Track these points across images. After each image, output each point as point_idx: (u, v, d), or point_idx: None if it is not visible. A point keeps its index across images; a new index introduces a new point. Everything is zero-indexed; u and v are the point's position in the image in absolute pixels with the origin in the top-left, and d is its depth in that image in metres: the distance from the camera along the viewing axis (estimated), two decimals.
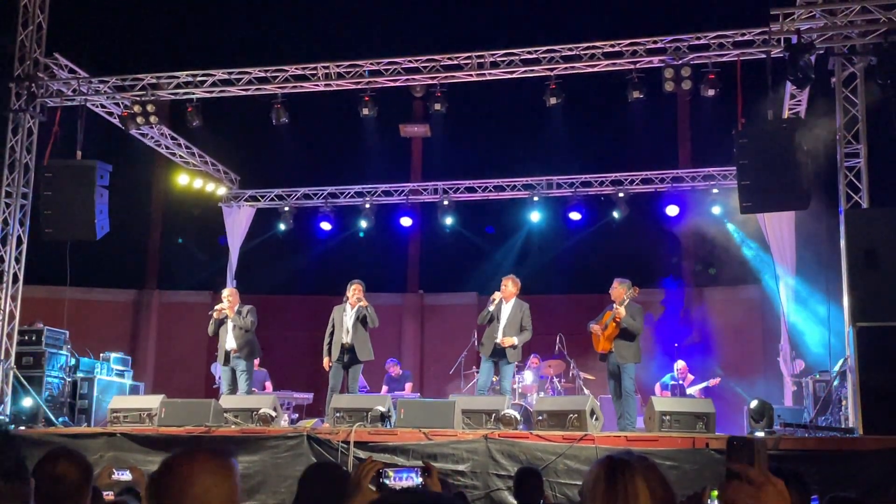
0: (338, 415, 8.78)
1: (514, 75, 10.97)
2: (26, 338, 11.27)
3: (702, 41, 10.21)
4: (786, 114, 11.28)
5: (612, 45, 10.48)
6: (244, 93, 11.60)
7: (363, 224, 15.04)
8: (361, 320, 10.10)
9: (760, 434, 8.32)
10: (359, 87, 11.34)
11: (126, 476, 4.85)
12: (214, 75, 11.53)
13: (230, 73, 11.49)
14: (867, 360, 8.25)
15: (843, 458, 7.28)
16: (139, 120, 11.72)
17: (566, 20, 16.07)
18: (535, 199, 14.37)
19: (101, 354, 12.44)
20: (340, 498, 3.54)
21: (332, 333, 10.25)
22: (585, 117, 14.84)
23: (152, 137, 13.52)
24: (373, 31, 16.28)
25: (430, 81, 11.11)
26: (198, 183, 14.92)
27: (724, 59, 10.22)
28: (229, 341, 10.47)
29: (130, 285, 18.26)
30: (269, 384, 13.08)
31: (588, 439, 7.72)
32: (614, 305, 9.60)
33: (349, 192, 15.35)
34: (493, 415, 8.42)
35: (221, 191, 15.40)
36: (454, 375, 12.67)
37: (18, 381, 10.70)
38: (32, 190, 11.46)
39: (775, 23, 9.54)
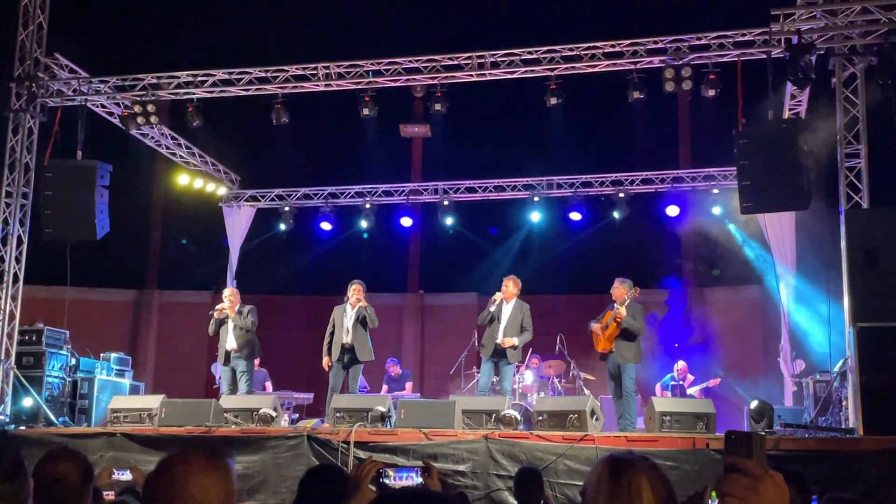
0: (338, 415, 8.78)
1: (515, 75, 10.97)
2: (26, 338, 11.27)
3: (702, 41, 10.21)
4: (786, 114, 11.28)
5: (613, 46, 10.48)
6: (244, 93, 11.60)
7: (363, 224, 15.05)
8: (361, 321, 10.10)
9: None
10: (359, 87, 11.34)
11: (126, 476, 4.86)
12: (215, 75, 11.53)
13: (230, 73, 11.49)
14: (867, 361, 8.25)
15: (844, 458, 7.28)
16: (139, 120, 11.73)
17: (566, 20, 16.07)
18: (536, 199, 14.37)
19: (102, 354, 12.45)
20: (341, 500, 3.55)
21: (332, 333, 10.25)
22: (586, 117, 14.85)
23: (153, 137, 13.53)
24: (373, 31, 16.29)
25: (431, 81, 11.11)
26: (198, 183, 14.92)
27: (725, 59, 10.22)
28: (230, 341, 10.47)
29: (131, 285, 18.26)
30: (269, 384, 13.08)
31: (588, 440, 7.72)
32: (615, 305, 9.59)
33: (349, 193, 15.35)
34: (494, 415, 8.42)
35: (222, 191, 15.40)
36: (454, 375, 12.67)
37: (19, 381, 10.71)
38: (33, 190, 11.47)
39: (776, 23, 9.54)
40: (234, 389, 10.41)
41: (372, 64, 11.16)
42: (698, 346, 14.83)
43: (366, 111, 11.33)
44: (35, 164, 11.51)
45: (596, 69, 10.66)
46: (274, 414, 8.97)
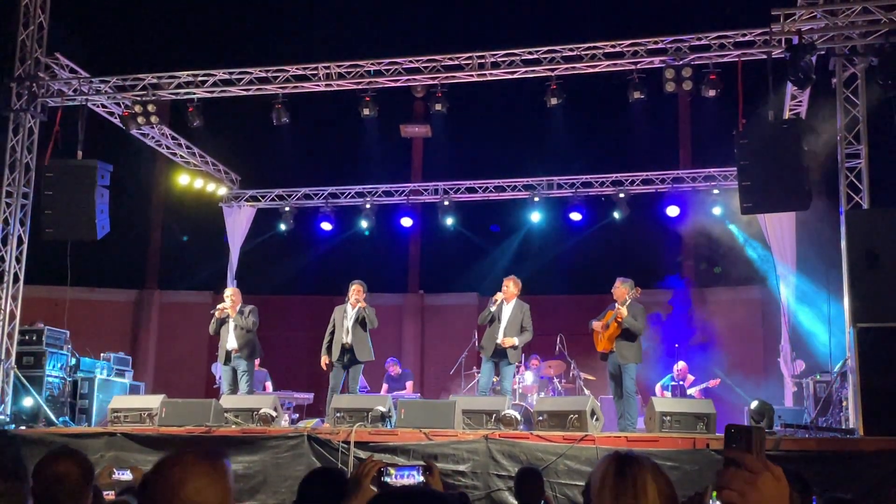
0: (338, 415, 8.78)
1: (515, 76, 10.97)
2: (27, 337, 11.28)
3: (703, 42, 10.21)
4: (786, 114, 11.28)
5: (613, 46, 10.48)
6: (245, 93, 11.60)
7: (364, 224, 15.04)
8: (361, 322, 10.10)
9: None
10: (359, 87, 11.34)
11: (126, 476, 4.86)
12: (215, 75, 11.53)
13: (231, 73, 11.49)
14: (868, 361, 8.25)
15: (844, 459, 7.28)
16: (140, 120, 11.72)
17: (567, 20, 16.07)
18: (536, 199, 14.37)
19: (102, 354, 12.46)
20: (341, 502, 3.55)
21: (332, 333, 10.26)
22: (586, 118, 14.84)
23: (153, 137, 13.53)
24: (374, 32, 16.28)
25: (431, 82, 11.11)
26: (198, 183, 14.92)
27: (725, 59, 10.22)
28: (230, 341, 10.47)
29: (131, 285, 18.27)
30: (269, 384, 13.08)
31: (588, 440, 7.72)
32: (616, 305, 9.59)
33: (350, 193, 15.35)
34: (494, 415, 8.42)
35: (222, 191, 15.40)
36: (454, 376, 12.67)
37: (19, 381, 10.71)
38: (33, 190, 11.47)
39: (776, 23, 9.54)
40: (234, 389, 10.41)
41: (372, 64, 11.16)
42: (698, 347, 14.83)
43: (366, 111, 11.33)
44: (35, 163, 11.51)
45: (596, 69, 10.66)
46: (274, 414, 8.98)
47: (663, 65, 10.32)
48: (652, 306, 13.36)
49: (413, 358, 17.04)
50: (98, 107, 12.16)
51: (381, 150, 15.23)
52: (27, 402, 10.69)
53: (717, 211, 13.77)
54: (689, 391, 12.29)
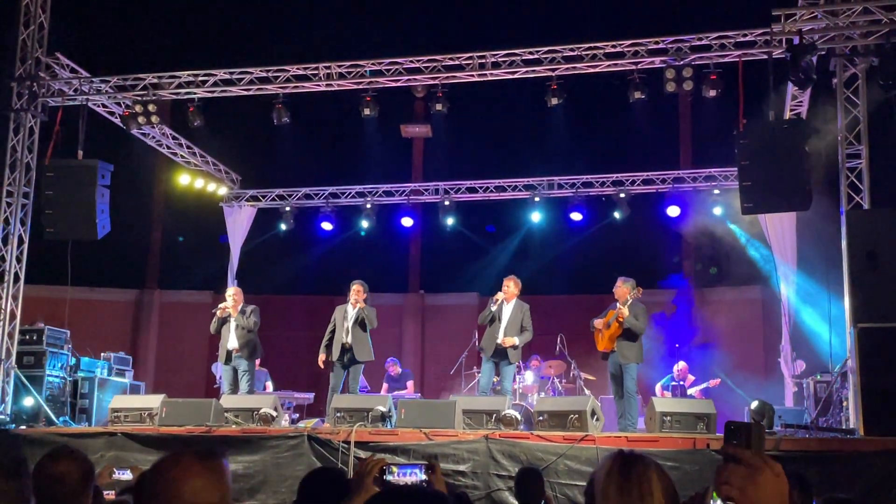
0: (338, 415, 8.78)
1: (516, 76, 10.97)
2: (27, 337, 11.28)
3: (703, 42, 10.21)
4: (787, 115, 11.28)
5: (614, 46, 10.48)
6: (245, 93, 11.60)
7: (364, 224, 15.04)
8: (360, 322, 10.11)
9: None
10: (360, 87, 11.34)
11: (126, 475, 4.86)
12: (216, 75, 11.53)
13: (231, 73, 11.49)
14: (868, 361, 8.25)
15: (844, 459, 7.27)
16: (140, 120, 11.73)
17: (568, 21, 16.07)
18: (537, 199, 14.37)
19: (102, 354, 12.46)
20: (341, 503, 3.55)
21: (332, 332, 10.27)
22: (587, 118, 14.84)
23: (153, 137, 13.53)
24: (374, 32, 16.28)
25: (432, 82, 11.11)
26: (199, 183, 14.93)
27: (726, 59, 10.22)
28: (231, 340, 10.47)
29: (131, 285, 18.27)
30: (269, 384, 13.08)
31: (589, 440, 7.72)
32: (617, 304, 9.58)
33: (350, 193, 15.35)
34: (494, 415, 8.42)
35: (222, 191, 15.41)
36: (455, 376, 12.67)
37: (20, 381, 10.71)
38: (34, 189, 11.47)
39: (777, 23, 9.54)
40: (235, 389, 10.41)
41: (373, 64, 11.16)
42: (699, 347, 14.83)
43: (367, 111, 11.32)
44: (36, 163, 11.52)
45: (597, 69, 10.66)
46: (274, 414, 8.98)
47: (664, 65, 10.32)
48: (654, 306, 13.36)
49: (413, 358, 17.03)
50: (98, 106, 12.16)
51: (381, 150, 15.22)
52: (27, 401, 10.69)
53: (717, 211, 13.77)
54: (689, 391, 12.29)
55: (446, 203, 14.61)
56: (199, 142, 14.29)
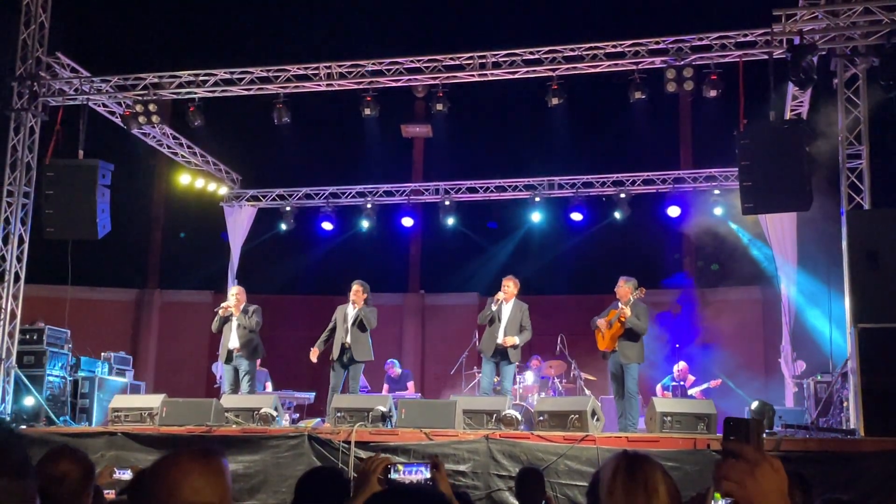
0: (339, 415, 8.78)
1: (516, 76, 10.97)
2: (28, 337, 11.28)
3: (704, 42, 10.21)
4: (788, 115, 11.28)
5: (615, 46, 10.48)
6: (246, 92, 11.60)
7: (364, 224, 15.04)
8: (359, 322, 10.11)
9: None
10: (360, 87, 11.34)
11: (127, 475, 4.86)
12: (216, 75, 11.53)
13: (232, 73, 11.49)
14: (869, 362, 8.24)
15: (845, 459, 7.27)
16: (141, 119, 11.73)
17: (568, 21, 16.07)
18: (537, 199, 14.36)
19: (103, 354, 12.46)
20: (338, 501, 3.54)
21: (332, 329, 10.27)
22: (587, 118, 14.84)
23: (154, 137, 13.53)
24: (375, 31, 16.29)
25: (432, 81, 11.11)
26: (199, 182, 14.93)
27: (727, 59, 10.21)
28: (232, 340, 10.47)
29: (132, 285, 18.28)
30: (269, 384, 13.09)
31: (589, 440, 7.72)
32: (619, 304, 9.58)
33: (351, 193, 15.35)
34: (494, 415, 8.42)
35: (223, 190, 15.41)
36: (455, 376, 12.67)
37: (20, 381, 10.72)
38: (34, 189, 11.47)
39: (777, 24, 9.53)
40: (235, 389, 10.41)
41: (373, 64, 11.16)
42: (700, 347, 14.83)
43: (367, 111, 11.32)
44: (37, 163, 11.52)
45: (597, 69, 10.66)
46: (275, 413, 8.98)
47: (664, 65, 10.32)
48: (658, 306, 13.37)
49: (413, 358, 17.03)
50: (99, 106, 12.17)
51: (382, 149, 15.22)
52: (28, 401, 10.69)
53: (718, 211, 13.76)
54: (689, 391, 12.29)
55: (446, 203, 14.61)
56: (199, 141, 14.28)
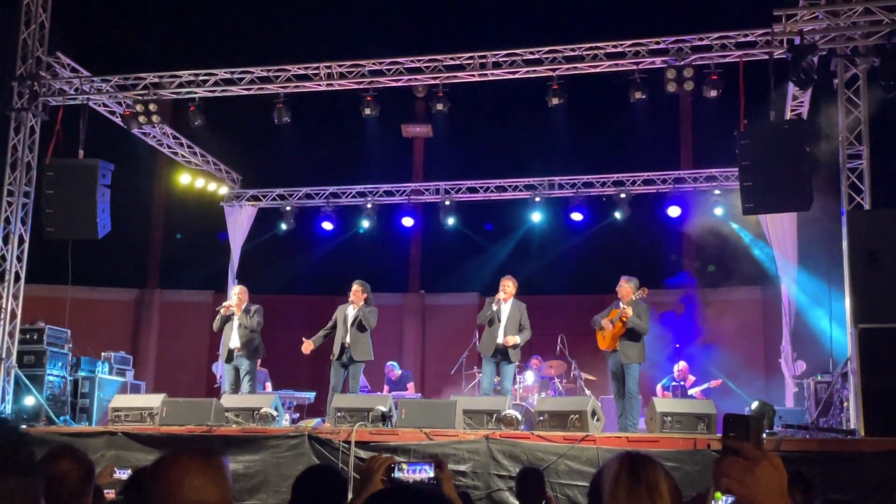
0: (339, 414, 8.78)
1: (517, 76, 10.97)
2: (28, 336, 11.28)
3: (704, 42, 10.20)
4: (788, 115, 11.27)
5: (615, 46, 10.47)
6: (246, 92, 11.60)
7: (365, 224, 15.04)
8: (358, 323, 10.11)
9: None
10: (361, 86, 11.33)
11: (127, 475, 4.86)
12: (216, 74, 11.53)
13: (232, 73, 11.49)
14: (869, 362, 8.24)
15: (845, 459, 7.27)
16: (141, 119, 11.72)
17: (568, 21, 16.07)
18: (537, 199, 14.36)
19: (103, 353, 12.46)
20: (336, 500, 3.54)
21: (332, 327, 10.28)
22: (587, 118, 14.84)
23: (154, 137, 13.53)
24: (375, 31, 16.28)
25: (433, 81, 11.10)
26: (199, 182, 14.93)
27: (727, 59, 10.21)
28: (233, 339, 10.47)
29: (132, 284, 18.28)
30: (268, 385, 13.09)
31: (589, 440, 7.72)
32: (620, 304, 9.58)
33: (351, 192, 15.34)
34: (495, 415, 8.42)
35: (223, 190, 15.41)
36: (455, 375, 12.67)
37: (20, 380, 10.71)
38: (34, 189, 11.47)
39: (778, 24, 9.53)
40: (236, 388, 10.41)
41: (373, 64, 11.15)
42: (700, 347, 14.83)
43: (367, 111, 11.31)
44: (37, 162, 11.52)
45: (598, 69, 10.65)
46: (275, 413, 8.98)
47: (665, 65, 10.32)
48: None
49: (414, 358, 17.04)
50: (99, 106, 12.16)
51: (382, 149, 15.21)
52: (28, 401, 10.69)
53: (718, 211, 13.76)
54: (689, 392, 12.29)
55: (447, 203, 14.60)
56: (199, 141, 14.28)
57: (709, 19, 11.99)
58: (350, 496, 7.03)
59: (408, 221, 15.05)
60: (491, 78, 11.04)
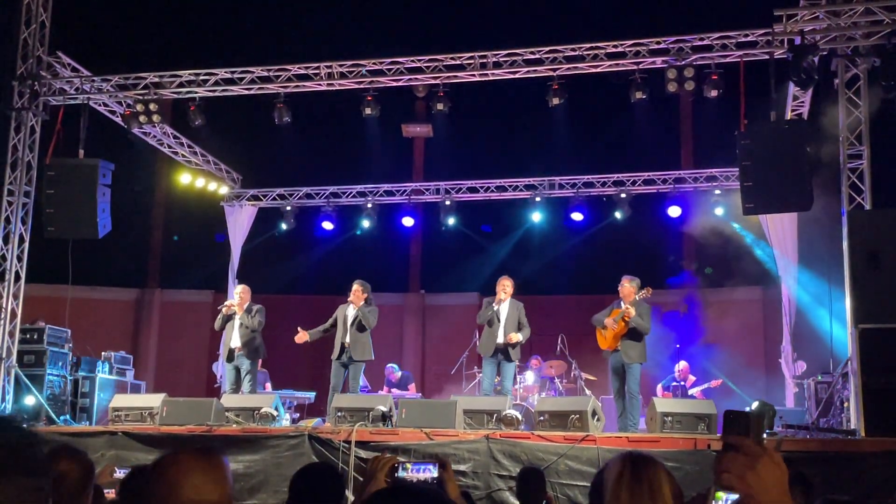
0: (339, 414, 8.78)
1: (517, 75, 10.96)
2: (28, 336, 11.28)
3: (705, 42, 10.20)
4: (789, 115, 11.27)
5: (615, 46, 10.47)
6: (247, 92, 11.60)
7: (365, 224, 15.03)
8: (357, 322, 10.12)
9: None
10: (361, 86, 11.33)
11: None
12: (217, 74, 11.53)
13: (233, 73, 11.49)
14: (869, 362, 8.24)
15: (845, 459, 7.27)
16: (142, 119, 11.72)
17: (569, 21, 16.06)
18: (537, 199, 14.35)
19: (103, 353, 12.46)
20: (334, 498, 3.53)
21: (332, 325, 10.29)
22: (588, 118, 14.83)
23: (155, 136, 13.53)
24: (375, 31, 16.28)
25: (433, 81, 11.10)
26: (200, 182, 14.92)
27: (727, 59, 10.21)
28: (234, 339, 10.47)
29: (132, 284, 18.28)
30: (268, 385, 13.08)
31: (590, 440, 7.72)
32: (622, 303, 9.57)
33: (351, 192, 15.34)
34: (495, 415, 8.42)
35: (223, 190, 15.40)
36: (455, 375, 12.67)
37: (20, 380, 10.71)
38: (35, 188, 11.47)
39: (779, 24, 9.53)
40: (236, 388, 10.41)
41: (374, 63, 11.15)
42: (701, 347, 14.83)
43: (368, 111, 11.31)
44: (37, 162, 11.52)
45: (598, 69, 10.65)
46: (275, 413, 8.98)
47: (665, 65, 10.31)
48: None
49: (414, 358, 17.03)
50: (100, 105, 12.17)
51: (382, 149, 15.21)
52: (28, 400, 10.69)
53: (719, 211, 13.76)
54: (690, 391, 12.29)
55: (447, 203, 14.60)
56: (200, 141, 14.28)
57: (709, 19, 11.99)
58: (350, 496, 7.03)
59: (408, 221, 15.05)
60: (491, 78, 11.04)
